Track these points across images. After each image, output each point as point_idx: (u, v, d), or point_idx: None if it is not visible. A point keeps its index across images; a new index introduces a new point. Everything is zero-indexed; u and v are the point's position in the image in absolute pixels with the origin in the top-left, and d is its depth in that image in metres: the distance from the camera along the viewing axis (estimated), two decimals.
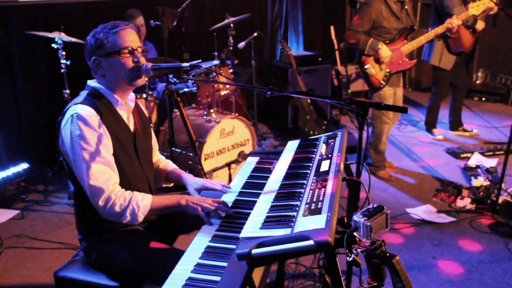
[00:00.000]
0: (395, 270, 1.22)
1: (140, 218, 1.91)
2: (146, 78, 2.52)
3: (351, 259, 1.27)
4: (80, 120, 1.84)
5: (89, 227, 2.06)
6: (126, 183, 1.97)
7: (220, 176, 4.06)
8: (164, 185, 2.40)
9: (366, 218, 1.24)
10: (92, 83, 2.03)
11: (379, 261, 1.26)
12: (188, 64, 2.00)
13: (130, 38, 1.97)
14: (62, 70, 3.92)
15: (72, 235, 3.44)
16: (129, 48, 1.94)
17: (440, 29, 3.99)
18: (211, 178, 3.89)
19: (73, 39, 3.94)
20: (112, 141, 1.93)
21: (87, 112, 1.87)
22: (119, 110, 2.02)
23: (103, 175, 1.86)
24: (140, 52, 2.00)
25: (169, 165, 2.41)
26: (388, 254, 1.25)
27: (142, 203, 1.91)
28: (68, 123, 1.87)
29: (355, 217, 1.26)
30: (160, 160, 2.43)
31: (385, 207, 1.29)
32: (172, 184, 2.41)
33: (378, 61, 3.96)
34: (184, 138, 3.91)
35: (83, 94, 1.99)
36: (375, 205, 1.28)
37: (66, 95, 3.98)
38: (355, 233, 1.28)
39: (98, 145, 1.86)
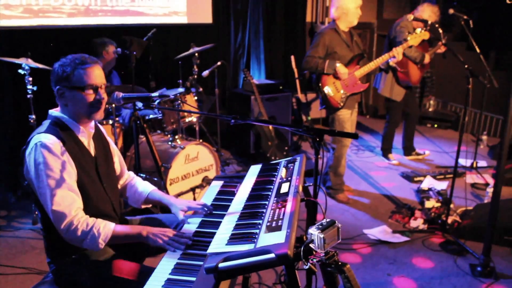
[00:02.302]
0: (347, 277, 1.39)
1: (101, 245, 1.98)
2: (113, 106, 2.57)
3: (307, 267, 1.44)
4: (44, 148, 1.94)
5: (58, 249, 2.11)
6: (91, 206, 2.06)
7: None
8: (143, 206, 2.47)
9: (320, 231, 1.41)
10: (54, 112, 2.13)
11: (332, 269, 1.42)
12: (157, 93, 2.15)
13: (96, 74, 2.07)
14: (28, 96, 3.96)
15: (37, 260, 3.45)
16: (94, 85, 2.05)
17: (386, 57, 4.33)
18: None
19: (40, 65, 4.00)
20: (75, 167, 2.02)
21: (50, 140, 1.96)
22: (81, 137, 2.12)
23: (66, 200, 1.95)
24: (104, 88, 2.11)
25: (148, 186, 2.47)
26: (340, 263, 1.42)
27: (104, 230, 1.98)
28: (32, 152, 1.96)
29: (310, 230, 1.43)
30: (138, 182, 2.50)
31: (336, 221, 1.47)
32: (150, 205, 2.50)
33: (335, 82, 4.23)
34: (150, 163, 4.01)
35: (46, 123, 2.09)
36: (328, 220, 1.45)
37: (32, 121, 4.02)
38: (311, 245, 1.44)
39: (61, 172, 1.95)
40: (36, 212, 3.96)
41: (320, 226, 1.43)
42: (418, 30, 4.37)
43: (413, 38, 4.37)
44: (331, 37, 4.24)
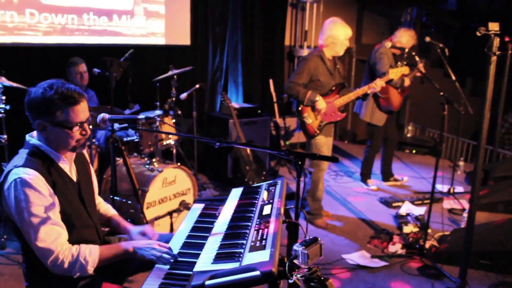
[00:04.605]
0: None
1: (90, 271, 2.04)
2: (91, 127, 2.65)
3: (292, 281, 1.59)
4: (24, 185, 1.93)
5: (38, 274, 2.16)
6: (75, 234, 2.11)
7: (162, 225, 4.26)
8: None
9: (304, 247, 1.57)
10: (32, 140, 2.11)
11: (315, 284, 1.58)
12: (143, 116, 2.29)
13: (83, 110, 2.07)
14: (0, 115, 4.04)
15: (5, 287, 3.47)
16: (80, 122, 2.07)
17: (366, 88, 4.58)
18: (152, 226, 4.06)
19: (15, 84, 4.06)
20: (58, 198, 2.04)
21: (31, 175, 1.95)
22: (61, 165, 2.14)
23: (51, 236, 1.97)
24: (87, 122, 2.12)
25: (110, 211, 2.56)
26: (322, 278, 1.58)
27: (91, 257, 2.03)
28: (12, 188, 1.95)
29: (294, 247, 1.59)
30: (101, 204, 2.57)
31: (319, 238, 1.63)
32: (108, 229, 2.58)
33: (314, 110, 4.43)
34: (126, 186, 4.10)
35: (23, 153, 2.07)
36: (311, 237, 1.61)
37: (3, 140, 4.07)
38: (295, 261, 1.59)
39: (44, 208, 1.96)
40: (5, 236, 4.00)
41: (304, 243, 1.59)
42: (399, 64, 4.65)
43: (393, 72, 4.66)
44: (316, 64, 4.44)
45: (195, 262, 1.95)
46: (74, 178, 2.22)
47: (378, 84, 4.54)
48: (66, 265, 1.99)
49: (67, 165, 2.18)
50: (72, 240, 2.07)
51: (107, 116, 2.22)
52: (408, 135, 8.12)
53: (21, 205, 1.94)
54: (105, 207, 2.57)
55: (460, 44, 8.04)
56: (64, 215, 2.07)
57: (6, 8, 4.87)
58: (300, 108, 4.47)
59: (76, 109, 2.03)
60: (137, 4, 5.81)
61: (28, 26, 5.04)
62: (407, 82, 5.30)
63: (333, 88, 4.48)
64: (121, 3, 5.68)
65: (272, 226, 2.03)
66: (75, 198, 2.19)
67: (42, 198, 1.97)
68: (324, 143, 4.58)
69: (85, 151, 2.43)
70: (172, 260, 2.06)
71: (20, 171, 1.97)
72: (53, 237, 1.98)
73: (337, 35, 4.39)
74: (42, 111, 2.00)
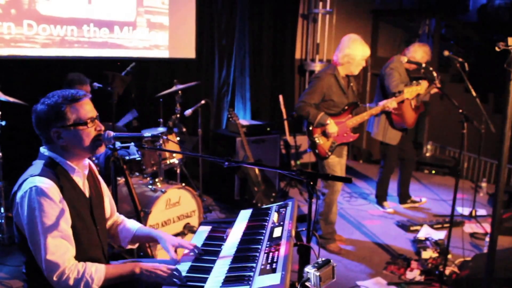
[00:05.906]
0: None
1: None
2: None
3: None
4: (39, 193, 2.04)
5: None
6: (81, 251, 2.19)
7: None
8: (129, 247, 2.62)
9: (316, 269, 1.65)
10: (46, 151, 2.22)
11: None
12: (149, 134, 2.38)
13: (90, 107, 2.24)
14: None
15: None
16: (92, 117, 2.23)
17: (379, 108, 4.69)
18: (155, 251, 4.13)
19: (11, 99, 4.18)
20: (70, 211, 2.15)
21: (47, 184, 2.07)
22: (75, 177, 2.26)
23: (60, 249, 2.06)
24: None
25: (134, 223, 2.64)
26: None
27: (96, 274, 2.13)
28: (26, 196, 2.05)
29: (306, 269, 1.67)
30: (125, 220, 2.68)
31: (331, 260, 1.70)
32: (136, 245, 2.66)
33: (325, 133, 4.52)
34: (127, 207, 4.16)
35: (39, 164, 2.18)
36: (323, 259, 1.69)
37: None
38: (307, 283, 1.67)
39: (57, 219, 2.06)
40: None
41: (316, 265, 1.67)
42: (415, 83, 4.74)
43: (408, 92, 4.75)
44: (329, 84, 4.52)
45: (202, 287, 2.03)
46: (87, 194, 2.33)
47: (391, 105, 4.64)
48: (71, 281, 2.07)
49: (81, 179, 2.29)
50: (77, 258, 2.16)
51: (111, 133, 2.30)
52: (427, 154, 8.15)
53: (34, 213, 2.04)
54: (129, 222, 2.65)
55: (482, 58, 8.11)
56: (73, 230, 2.16)
57: (3, 19, 5.02)
58: (310, 128, 4.55)
59: (83, 104, 2.19)
60: (139, 15, 5.96)
61: (26, 38, 5.19)
62: (414, 102, 5.36)
63: (346, 107, 4.57)
64: (123, 14, 5.83)
65: (282, 249, 2.11)
66: (86, 214, 2.29)
67: (56, 208, 2.07)
68: (338, 163, 4.64)
69: (96, 170, 2.53)
70: (179, 282, 2.13)
71: (36, 179, 2.08)
72: (62, 251, 2.07)
73: (354, 54, 4.47)
74: (52, 118, 2.14)
